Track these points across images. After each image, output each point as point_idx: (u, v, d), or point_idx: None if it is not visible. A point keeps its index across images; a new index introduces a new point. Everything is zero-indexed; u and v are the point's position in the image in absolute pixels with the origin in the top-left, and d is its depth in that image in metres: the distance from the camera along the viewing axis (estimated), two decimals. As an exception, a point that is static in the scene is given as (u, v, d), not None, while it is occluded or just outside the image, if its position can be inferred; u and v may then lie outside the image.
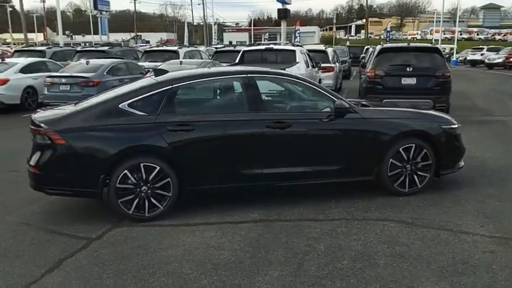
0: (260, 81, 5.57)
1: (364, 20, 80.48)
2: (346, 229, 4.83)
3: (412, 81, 10.95)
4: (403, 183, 5.77)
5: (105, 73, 13.43)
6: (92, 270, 4.06)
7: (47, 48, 19.30)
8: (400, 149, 5.69)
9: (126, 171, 4.95)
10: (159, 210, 5.10)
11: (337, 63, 17.96)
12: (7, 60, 15.26)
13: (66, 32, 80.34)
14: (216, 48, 25.08)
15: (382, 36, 76.42)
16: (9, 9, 64.60)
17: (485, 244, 4.43)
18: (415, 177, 5.77)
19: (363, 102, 6.47)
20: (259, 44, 14.81)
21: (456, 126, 6.06)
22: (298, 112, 5.69)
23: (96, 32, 50.93)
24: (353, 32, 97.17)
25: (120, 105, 5.10)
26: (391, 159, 5.67)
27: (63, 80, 13.10)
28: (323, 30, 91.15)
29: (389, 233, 4.72)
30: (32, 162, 5.04)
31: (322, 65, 15.43)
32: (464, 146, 6.25)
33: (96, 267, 4.11)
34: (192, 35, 71.10)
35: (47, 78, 13.29)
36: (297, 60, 12.01)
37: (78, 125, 4.98)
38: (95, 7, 47.89)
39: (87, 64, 13.82)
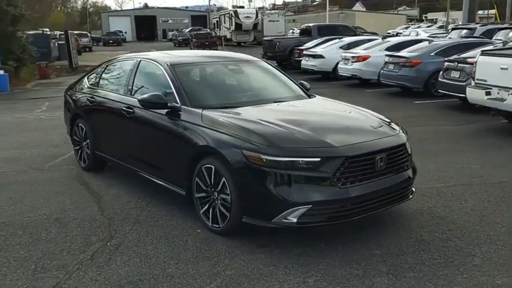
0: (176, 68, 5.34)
1: None
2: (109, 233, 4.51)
3: None
4: (207, 213, 4.37)
5: (432, 54, 12.50)
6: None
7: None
8: (202, 168, 4.32)
9: (75, 127, 6.54)
10: (85, 163, 6.43)
11: None
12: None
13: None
14: None
15: None
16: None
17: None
18: (217, 211, 4.23)
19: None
20: None
21: (269, 158, 3.78)
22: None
23: None
24: None
25: (85, 77, 6.63)
26: (196, 178, 4.42)
27: (390, 59, 13.20)
28: None
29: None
30: None
31: None
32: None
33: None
34: None
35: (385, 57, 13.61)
36: None
37: (72, 87, 6.94)
38: None
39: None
